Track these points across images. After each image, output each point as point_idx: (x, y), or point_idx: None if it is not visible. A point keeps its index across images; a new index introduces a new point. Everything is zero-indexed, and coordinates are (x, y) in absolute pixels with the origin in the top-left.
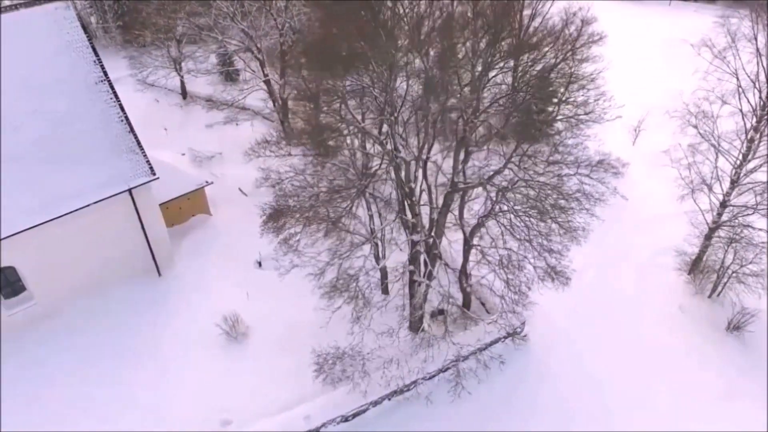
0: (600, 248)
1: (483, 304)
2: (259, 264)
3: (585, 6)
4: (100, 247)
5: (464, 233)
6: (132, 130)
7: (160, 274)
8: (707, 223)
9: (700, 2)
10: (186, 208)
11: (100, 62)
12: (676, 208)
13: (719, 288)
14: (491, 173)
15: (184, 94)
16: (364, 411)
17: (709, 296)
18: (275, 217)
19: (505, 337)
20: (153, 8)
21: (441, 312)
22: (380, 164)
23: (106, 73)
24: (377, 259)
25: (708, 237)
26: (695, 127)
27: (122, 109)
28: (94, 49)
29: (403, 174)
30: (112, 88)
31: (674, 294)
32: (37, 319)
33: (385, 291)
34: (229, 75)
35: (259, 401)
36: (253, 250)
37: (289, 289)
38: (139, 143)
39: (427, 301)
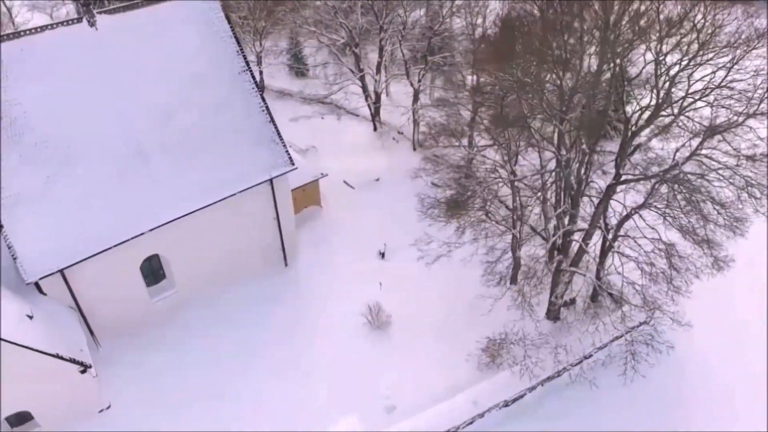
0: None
1: (610, 295)
2: (382, 255)
3: None
4: (235, 238)
5: (605, 226)
6: (272, 119)
7: (286, 265)
8: None
9: None
10: (300, 200)
11: (242, 53)
12: None
13: None
14: (667, 166)
15: (261, 87)
16: (522, 396)
17: None
18: (455, 206)
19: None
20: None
21: (573, 301)
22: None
23: (248, 63)
24: (514, 250)
25: None
26: None
27: (263, 99)
28: (237, 40)
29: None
30: (253, 78)
31: None
32: (177, 307)
33: (514, 281)
34: (300, 71)
35: (418, 387)
36: (370, 242)
37: (420, 279)
38: (278, 133)
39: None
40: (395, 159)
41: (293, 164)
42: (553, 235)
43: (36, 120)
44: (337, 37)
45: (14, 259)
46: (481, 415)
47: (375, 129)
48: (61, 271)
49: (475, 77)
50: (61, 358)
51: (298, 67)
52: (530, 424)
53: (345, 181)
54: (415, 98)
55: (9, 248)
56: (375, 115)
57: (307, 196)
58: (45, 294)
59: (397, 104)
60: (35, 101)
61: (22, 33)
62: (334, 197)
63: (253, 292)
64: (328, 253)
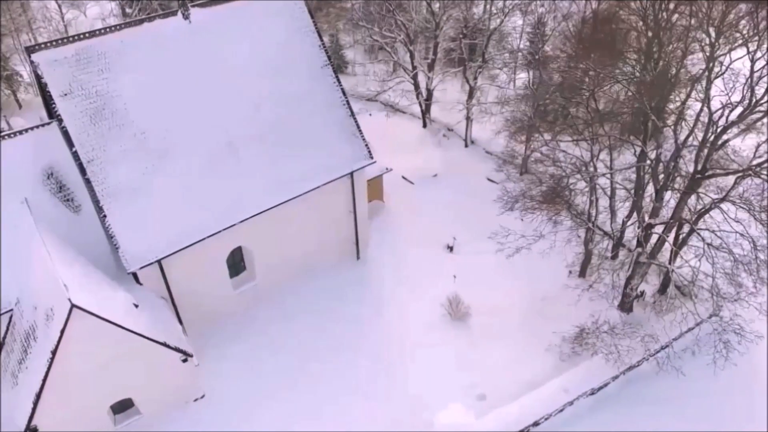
0: None
1: (678, 288)
2: (450, 249)
3: None
4: (312, 230)
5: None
6: (353, 113)
7: (358, 258)
8: None
9: None
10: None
11: (324, 47)
12: None
13: None
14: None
15: None
16: (605, 385)
17: None
18: (550, 198)
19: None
20: None
21: (642, 294)
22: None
23: (329, 58)
24: (586, 243)
25: None
26: None
27: (344, 93)
28: (318, 35)
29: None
30: (334, 72)
31: None
32: (257, 299)
33: (582, 274)
34: (339, 67)
35: (503, 376)
36: (435, 236)
37: (493, 272)
38: (358, 127)
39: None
40: (448, 155)
41: (372, 158)
42: (638, 228)
43: (135, 112)
44: (392, 35)
45: (116, 248)
46: (571, 403)
47: (424, 126)
48: (159, 261)
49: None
50: (168, 346)
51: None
52: (619, 411)
53: (404, 177)
54: (470, 95)
55: (111, 238)
56: (425, 112)
57: (372, 190)
58: (141, 284)
59: (444, 101)
60: (134, 93)
61: (123, 25)
62: (394, 192)
63: (328, 284)
64: (395, 247)
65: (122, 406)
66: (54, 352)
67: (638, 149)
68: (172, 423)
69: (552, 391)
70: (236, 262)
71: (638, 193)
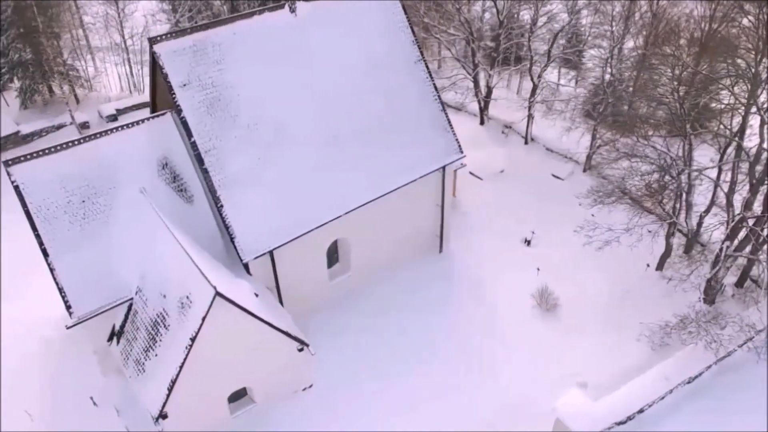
0: None
1: (754, 281)
2: (528, 242)
3: None
4: (402, 223)
5: None
6: (444, 108)
7: (441, 251)
8: None
9: None
10: None
11: (417, 42)
12: None
13: None
14: None
15: None
16: (701, 373)
17: None
18: (653, 192)
19: None
20: None
21: (722, 286)
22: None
23: (422, 53)
24: (668, 237)
25: None
26: None
27: (435, 88)
28: (412, 30)
29: None
30: (426, 67)
31: None
32: (349, 291)
33: (660, 267)
34: None
35: (601, 365)
36: (509, 229)
37: (575, 264)
38: (449, 121)
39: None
40: (510, 152)
41: (462, 152)
42: (731, 221)
43: (247, 103)
44: (456, 33)
45: (232, 238)
46: (670, 391)
47: (482, 123)
48: (271, 252)
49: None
50: (290, 335)
51: None
52: (716, 398)
53: (471, 172)
54: (533, 92)
55: (227, 228)
56: (484, 109)
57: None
58: (250, 274)
59: (502, 99)
60: (246, 84)
61: (235, 17)
62: (464, 188)
63: (415, 276)
64: (474, 240)
65: (236, 395)
66: (193, 340)
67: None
68: (283, 412)
69: (653, 378)
70: (330, 254)
71: (731, 187)
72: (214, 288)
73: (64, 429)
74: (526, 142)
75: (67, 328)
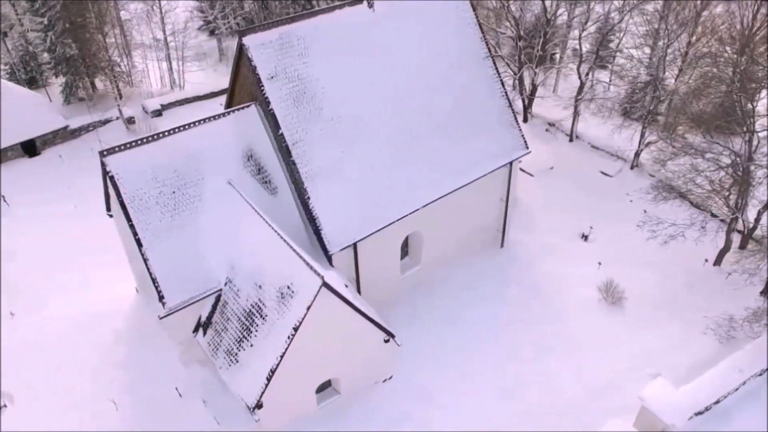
0: None
1: None
2: (585, 237)
3: None
4: (469, 218)
5: None
6: (510, 104)
7: (502, 246)
8: None
9: None
10: None
11: (485, 39)
12: None
13: None
14: None
15: None
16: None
17: None
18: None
19: None
20: None
21: None
22: None
23: (489, 50)
24: (728, 232)
25: None
26: None
27: (503, 84)
28: (480, 27)
29: None
30: (494, 63)
31: None
32: (417, 284)
33: (718, 262)
34: None
35: (671, 357)
36: (564, 224)
37: (634, 259)
38: (515, 117)
39: None
40: (556, 149)
41: (528, 148)
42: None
43: (329, 96)
44: (503, 32)
45: (318, 230)
46: (743, 383)
47: (525, 121)
48: (354, 244)
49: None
50: (379, 326)
51: None
52: None
53: (522, 169)
54: (580, 90)
55: (314, 220)
56: (527, 107)
57: None
58: (333, 266)
59: (546, 97)
60: (328, 77)
61: (317, 11)
62: (515, 184)
63: (480, 270)
64: (531, 235)
65: (320, 386)
66: (296, 329)
67: None
68: (365, 403)
69: (726, 370)
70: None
71: None
72: (321, 278)
73: (150, 419)
74: (570, 140)
75: (160, 318)
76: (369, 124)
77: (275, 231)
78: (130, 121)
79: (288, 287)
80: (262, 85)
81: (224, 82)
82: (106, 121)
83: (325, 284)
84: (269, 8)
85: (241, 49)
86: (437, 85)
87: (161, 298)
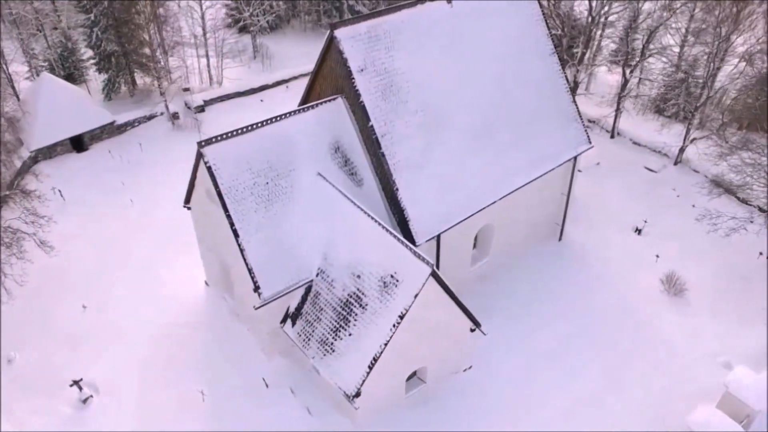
0: None
1: None
2: (639, 231)
3: None
4: (533, 211)
5: None
6: (574, 99)
7: (560, 239)
8: None
9: None
10: None
11: (551, 35)
12: None
13: None
14: None
15: None
16: None
17: None
18: None
19: None
20: None
21: None
22: None
23: (555, 46)
24: None
25: None
26: None
27: (567, 80)
28: (546, 24)
29: None
30: (558, 58)
31: None
32: (484, 276)
33: None
34: None
35: (740, 346)
36: (617, 218)
37: (685, 252)
38: (579, 112)
39: None
40: (598, 146)
41: (590, 143)
42: None
43: (414, 89)
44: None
45: (406, 221)
46: None
47: None
48: (438, 236)
49: None
50: (470, 315)
51: None
52: None
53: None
54: (623, 88)
55: (402, 211)
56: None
57: None
58: None
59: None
60: (413, 70)
61: (401, 6)
62: None
63: (541, 262)
64: (586, 229)
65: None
66: (402, 317)
67: None
68: (449, 392)
69: None
70: None
71: None
72: (432, 265)
73: (238, 408)
74: (612, 136)
75: (255, 308)
76: (450, 117)
77: (375, 221)
78: (174, 116)
79: (391, 276)
80: (353, 78)
81: (260, 79)
82: (151, 117)
83: (435, 272)
84: (297, 7)
85: (330, 42)
86: (509, 79)
87: (257, 288)
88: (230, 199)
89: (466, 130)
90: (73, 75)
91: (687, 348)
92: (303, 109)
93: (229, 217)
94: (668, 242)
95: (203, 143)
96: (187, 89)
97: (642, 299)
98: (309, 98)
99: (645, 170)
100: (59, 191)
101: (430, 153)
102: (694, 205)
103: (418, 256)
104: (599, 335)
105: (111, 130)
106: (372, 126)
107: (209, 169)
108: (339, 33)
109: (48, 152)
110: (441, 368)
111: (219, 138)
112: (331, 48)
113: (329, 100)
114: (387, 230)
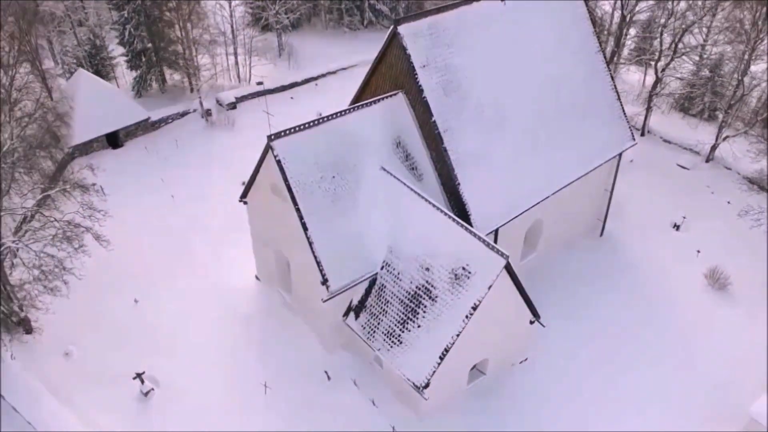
0: None
1: None
2: (677, 227)
3: None
4: (578, 207)
5: None
6: (618, 97)
7: (601, 234)
8: None
9: None
10: None
11: (597, 35)
12: None
13: None
14: None
15: None
16: None
17: None
18: None
19: None
20: None
21: None
22: None
23: (600, 44)
24: None
25: None
26: None
27: (612, 78)
28: (593, 22)
29: None
30: (605, 57)
31: None
32: (530, 270)
33: None
34: None
35: None
36: (653, 214)
37: (724, 247)
38: (623, 110)
39: None
40: None
41: (634, 139)
42: None
43: (474, 85)
44: None
45: (467, 215)
46: None
47: None
48: (496, 229)
49: None
50: (532, 307)
51: None
52: None
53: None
54: (655, 86)
55: (463, 205)
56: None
57: None
58: None
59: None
60: (472, 67)
61: (459, 4)
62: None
63: (585, 257)
64: (625, 225)
65: None
66: (475, 308)
67: None
68: (506, 383)
69: None
70: None
71: None
72: (506, 258)
73: (301, 401)
74: (642, 134)
75: (323, 301)
76: (507, 113)
77: (446, 214)
78: (208, 113)
79: (463, 268)
80: (416, 74)
81: (288, 77)
82: (184, 114)
83: (508, 265)
84: (318, 6)
85: (392, 38)
86: (561, 76)
87: (325, 281)
88: (299, 192)
89: (522, 127)
90: (100, 72)
91: (738, 340)
92: (366, 104)
93: (298, 210)
94: (707, 237)
95: (272, 137)
96: (215, 87)
97: (688, 293)
98: (364, 94)
99: (677, 167)
100: (101, 187)
101: (490, 149)
102: (729, 202)
103: (492, 248)
104: (649, 329)
105: (146, 127)
106: (435, 121)
107: (278, 162)
108: (402, 29)
109: (84, 149)
110: (500, 359)
111: (287, 132)
112: (393, 43)
113: (390, 96)
114: (459, 223)
